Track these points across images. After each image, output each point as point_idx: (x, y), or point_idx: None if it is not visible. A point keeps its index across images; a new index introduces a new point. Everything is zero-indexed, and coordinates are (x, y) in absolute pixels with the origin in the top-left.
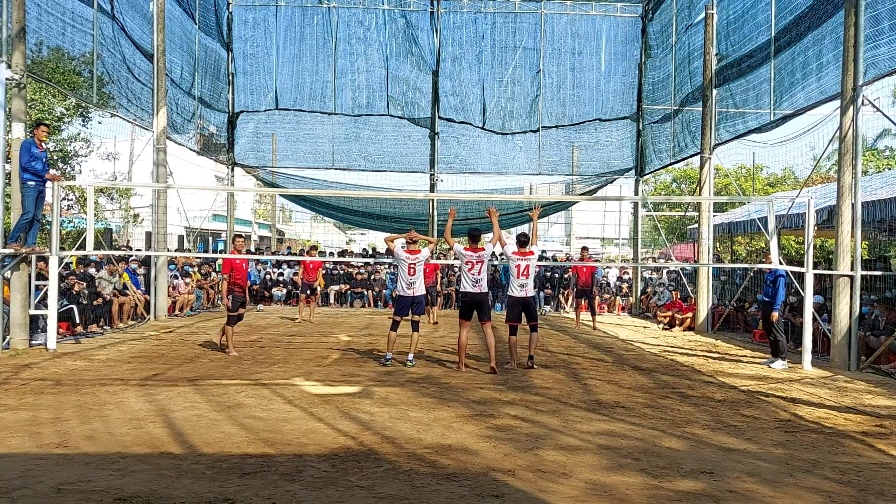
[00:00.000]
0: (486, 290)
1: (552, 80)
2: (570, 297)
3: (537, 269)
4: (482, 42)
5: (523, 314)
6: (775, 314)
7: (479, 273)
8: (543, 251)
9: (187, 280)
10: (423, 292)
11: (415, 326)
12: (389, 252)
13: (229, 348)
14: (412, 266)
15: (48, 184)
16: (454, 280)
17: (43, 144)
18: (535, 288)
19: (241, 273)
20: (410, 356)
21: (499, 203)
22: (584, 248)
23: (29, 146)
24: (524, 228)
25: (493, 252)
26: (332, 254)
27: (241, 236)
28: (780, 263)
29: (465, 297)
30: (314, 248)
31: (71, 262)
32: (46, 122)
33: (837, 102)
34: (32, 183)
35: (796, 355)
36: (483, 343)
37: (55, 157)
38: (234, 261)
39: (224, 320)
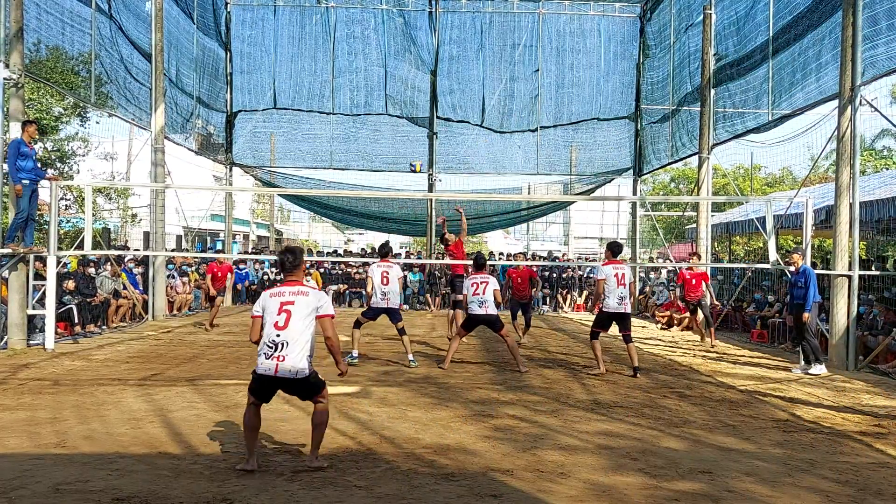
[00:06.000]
0: (493, 311)
1: (550, 79)
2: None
3: (536, 269)
4: (480, 41)
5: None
6: (807, 315)
7: (483, 293)
8: (549, 251)
9: (185, 280)
10: (398, 304)
11: (401, 331)
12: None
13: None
14: (385, 274)
15: (45, 183)
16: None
17: (32, 143)
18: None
19: None
20: (410, 356)
21: (497, 203)
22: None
23: (18, 145)
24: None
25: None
26: (332, 253)
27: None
28: (778, 263)
29: (475, 318)
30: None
31: (70, 262)
32: (34, 120)
33: (835, 102)
34: (26, 182)
35: (794, 355)
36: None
37: (53, 157)
38: None
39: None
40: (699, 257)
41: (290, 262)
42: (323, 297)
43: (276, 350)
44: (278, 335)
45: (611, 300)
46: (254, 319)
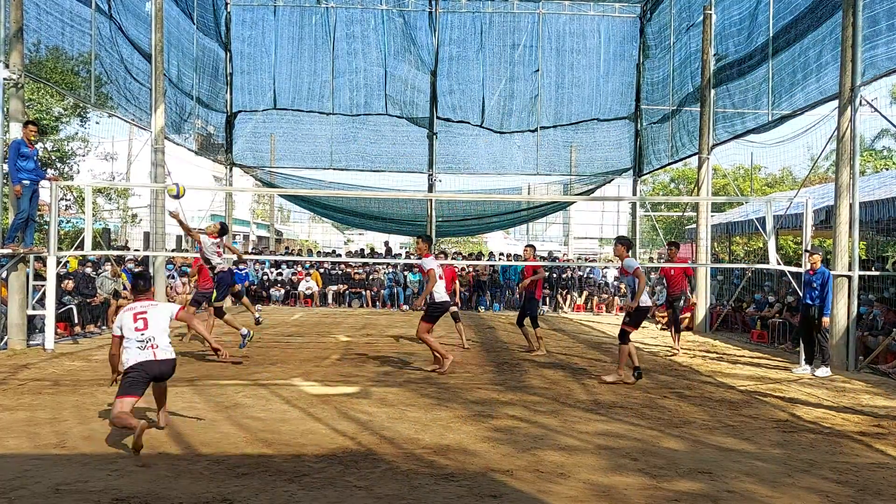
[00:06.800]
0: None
1: (550, 79)
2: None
3: (536, 270)
4: (480, 41)
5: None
6: (826, 319)
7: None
8: (549, 252)
9: (185, 280)
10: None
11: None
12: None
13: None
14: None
15: (45, 184)
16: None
17: (32, 144)
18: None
19: None
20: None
21: (497, 203)
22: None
23: (18, 146)
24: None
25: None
26: (333, 253)
27: None
28: (778, 263)
29: (443, 305)
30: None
31: (69, 262)
32: (34, 120)
33: (835, 103)
34: (27, 182)
35: (794, 355)
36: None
37: (53, 157)
38: None
39: None
40: (677, 247)
41: (143, 285)
42: (170, 304)
43: (146, 343)
44: (143, 334)
45: (644, 295)
46: (113, 338)
